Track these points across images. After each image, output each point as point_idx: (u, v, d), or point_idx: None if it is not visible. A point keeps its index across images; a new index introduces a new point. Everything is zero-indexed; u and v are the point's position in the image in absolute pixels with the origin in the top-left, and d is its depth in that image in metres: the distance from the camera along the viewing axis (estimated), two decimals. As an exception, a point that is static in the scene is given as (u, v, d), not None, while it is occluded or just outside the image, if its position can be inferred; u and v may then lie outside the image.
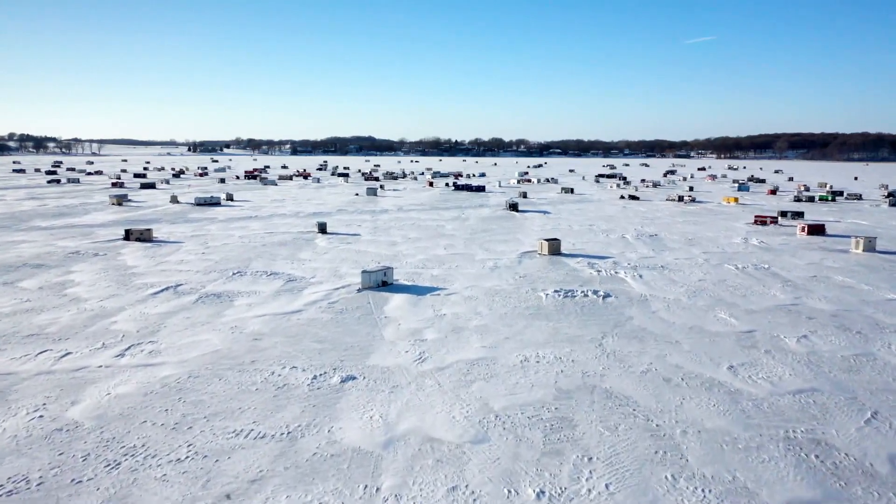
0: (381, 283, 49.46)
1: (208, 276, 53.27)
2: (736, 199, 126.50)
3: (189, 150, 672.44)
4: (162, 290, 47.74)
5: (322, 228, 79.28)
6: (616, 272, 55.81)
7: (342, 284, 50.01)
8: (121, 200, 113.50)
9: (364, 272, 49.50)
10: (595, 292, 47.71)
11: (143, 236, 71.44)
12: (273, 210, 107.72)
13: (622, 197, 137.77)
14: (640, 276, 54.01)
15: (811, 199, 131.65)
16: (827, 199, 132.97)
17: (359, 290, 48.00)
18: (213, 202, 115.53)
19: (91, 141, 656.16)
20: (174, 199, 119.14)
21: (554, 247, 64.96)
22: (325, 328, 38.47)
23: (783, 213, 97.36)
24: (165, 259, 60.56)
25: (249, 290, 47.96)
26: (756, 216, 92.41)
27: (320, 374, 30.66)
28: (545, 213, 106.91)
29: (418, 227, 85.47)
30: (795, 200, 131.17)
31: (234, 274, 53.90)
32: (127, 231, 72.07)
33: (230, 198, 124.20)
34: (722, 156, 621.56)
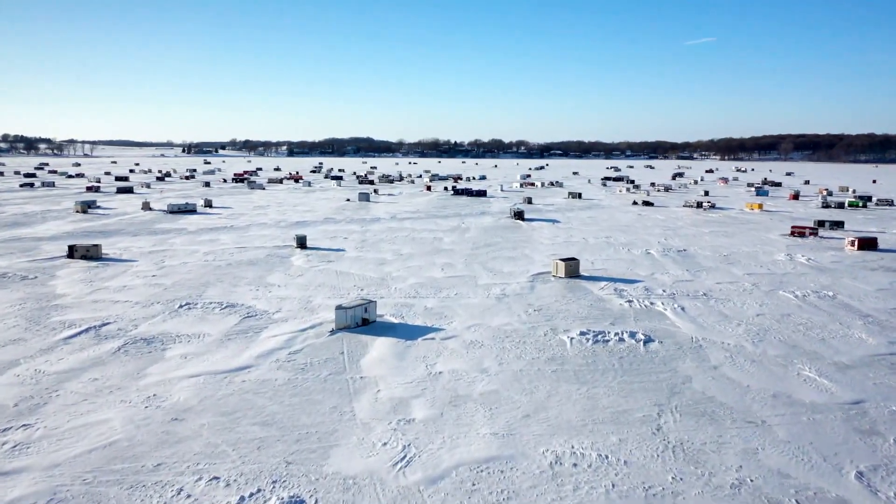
0: (361, 321, 39.17)
1: (148, 309, 42.94)
2: (760, 206, 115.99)
3: (184, 151, 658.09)
4: (80, 333, 37.41)
5: (301, 243, 68.92)
6: (651, 302, 45.54)
7: (312, 323, 39.65)
8: (86, 208, 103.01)
9: (339, 309, 39.13)
10: (632, 335, 37.41)
11: (90, 253, 61.08)
12: (252, 218, 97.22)
13: (635, 203, 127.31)
14: (682, 309, 43.74)
15: (840, 206, 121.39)
16: (857, 206, 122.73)
17: (331, 332, 37.71)
18: (188, 209, 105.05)
19: (86, 142, 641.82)
20: (146, 206, 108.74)
21: (571, 268, 54.62)
22: (276, 398, 28.15)
23: (821, 223, 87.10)
24: (105, 285, 50.22)
25: (192, 333, 37.63)
26: (793, 227, 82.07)
27: (250, 494, 20.36)
28: (554, 221, 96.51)
29: (412, 241, 75.06)
30: (823, 206, 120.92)
31: (181, 306, 43.57)
32: (71, 247, 61.67)
33: (209, 204, 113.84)
34: (726, 157, 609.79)
